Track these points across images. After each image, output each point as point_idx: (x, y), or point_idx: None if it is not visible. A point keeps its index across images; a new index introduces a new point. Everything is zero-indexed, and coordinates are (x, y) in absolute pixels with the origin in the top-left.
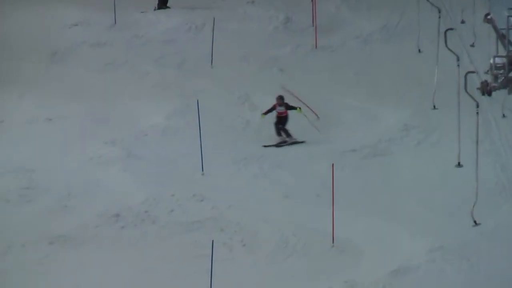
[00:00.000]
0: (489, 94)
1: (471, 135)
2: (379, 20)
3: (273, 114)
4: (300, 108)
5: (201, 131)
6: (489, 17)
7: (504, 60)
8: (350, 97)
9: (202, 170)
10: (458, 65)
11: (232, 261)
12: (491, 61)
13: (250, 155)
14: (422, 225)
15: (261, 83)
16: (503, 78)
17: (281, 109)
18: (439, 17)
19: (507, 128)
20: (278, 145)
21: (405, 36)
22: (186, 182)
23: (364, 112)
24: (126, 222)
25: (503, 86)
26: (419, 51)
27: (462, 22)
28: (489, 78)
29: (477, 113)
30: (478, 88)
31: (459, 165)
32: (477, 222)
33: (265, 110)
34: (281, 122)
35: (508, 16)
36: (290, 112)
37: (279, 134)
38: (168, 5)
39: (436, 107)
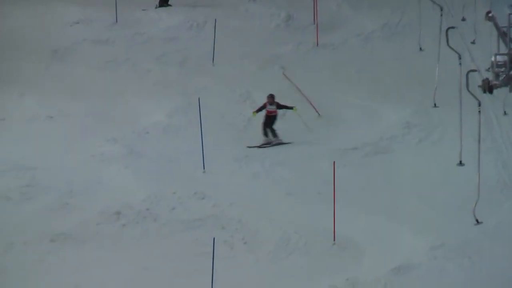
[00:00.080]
0: (491, 92)
1: (472, 133)
2: (380, 18)
3: (262, 113)
4: (295, 107)
5: (202, 129)
6: (490, 14)
7: (506, 58)
8: (351, 95)
9: (204, 168)
10: (460, 64)
11: (233, 259)
12: (492, 58)
13: (252, 152)
14: (423, 223)
15: (262, 81)
16: (504, 76)
17: (272, 107)
18: (441, 15)
19: (508, 125)
20: (262, 146)
21: (406, 34)
22: (187, 179)
23: (366, 110)
24: (128, 220)
25: (505, 84)
26: (420, 49)
27: (463, 19)
28: (490, 75)
29: (479, 111)
30: (479, 86)
31: (460, 163)
32: (479, 220)
33: (256, 108)
34: (270, 121)
35: (510, 14)
36: (283, 111)
37: (265, 134)
38: (169, 2)
39: (437, 105)
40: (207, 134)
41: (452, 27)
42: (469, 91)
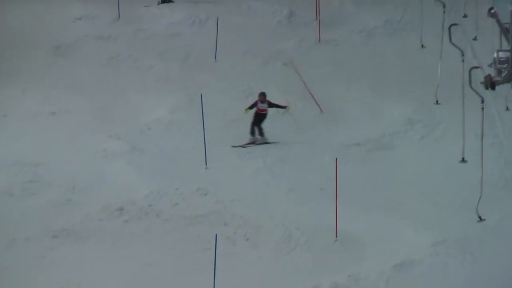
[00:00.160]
0: (493, 88)
1: (474, 130)
2: (382, 15)
3: (252, 111)
4: (288, 106)
5: (204, 125)
6: (493, 11)
7: (508, 54)
8: (353, 91)
9: (206, 164)
10: (463, 60)
11: (235, 255)
12: (495, 55)
13: (254, 149)
14: (425, 219)
15: (265, 77)
16: (506, 72)
17: (263, 106)
18: (444, 12)
19: (510, 121)
20: (246, 145)
21: (409, 30)
22: (190, 176)
23: (368, 106)
24: (130, 216)
25: (507, 80)
26: (422, 46)
27: (465, 16)
28: (492, 71)
29: (482, 108)
30: (481, 82)
31: (463, 160)
32: (482, 218)
33: (248, 105)
34: (259, 120)
35: None
36: (280, 110)
37: (252, 133)
38: None
39: (439, 102)
40: (209, 130)
41: (455, 24)
42: (472, 88)
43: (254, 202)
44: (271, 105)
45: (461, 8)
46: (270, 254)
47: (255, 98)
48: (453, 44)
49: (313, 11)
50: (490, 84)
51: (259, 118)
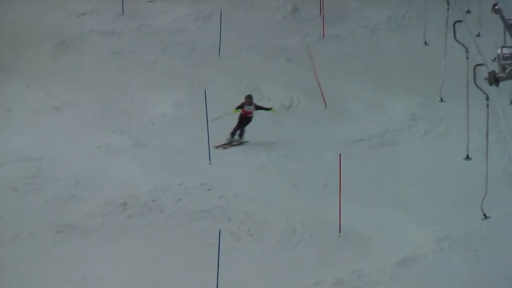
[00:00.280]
0: (497, 84)
1: (478, 127)
2: (386, 10)
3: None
4: (273, 108)
5: (208, 120)
6: (497, 7)
7: None
8: (357, 86)
9: (210, 159)
10: (467, 57)
11: (239, 250)
12: (499, 51)
13: (258, 144)
14: (429, 214)
15: (268, 72)
16: (510, 68)
17: (249, 108)
18: (448, 9)
19: None
20: (224, 146)
21: (412, 26)
22: (193, 171)
23: (371, 102)
24: (134, 211)
25: (511, 76)
26: (425, 43)
27: (468, 12)
28: (496, 67)
29: (487, 105)
30: (485, 79)
31: (467, 157)
32: (487, 215)
33: (236, 106)
34: (244, 123)
35: None
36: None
37: (233, 134)
38: None
39: (443, 99)
40: (213, 125)
41: (460, 21)
42: (476, 85)
43: (258, 197)
44: (257, 107)
45: (464, 3)
46: (273, 250)
47: (259, 93)
48: (458, 41)
49: (317, 6)
50: (494, 80)
51: (243, 120)
